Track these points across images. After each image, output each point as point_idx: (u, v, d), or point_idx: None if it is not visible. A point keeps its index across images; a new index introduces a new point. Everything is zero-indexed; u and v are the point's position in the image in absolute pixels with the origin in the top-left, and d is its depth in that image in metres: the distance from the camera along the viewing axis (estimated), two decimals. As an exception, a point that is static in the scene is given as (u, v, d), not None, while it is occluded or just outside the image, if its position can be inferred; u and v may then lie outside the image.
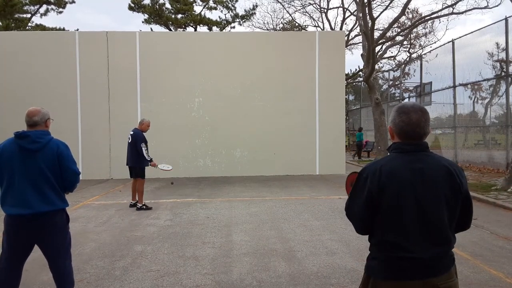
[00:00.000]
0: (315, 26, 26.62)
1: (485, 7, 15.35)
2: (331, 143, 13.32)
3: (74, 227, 6.01)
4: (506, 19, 11.85)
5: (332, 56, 13.39)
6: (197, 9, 28.70)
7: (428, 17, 17.01)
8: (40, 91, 12.67)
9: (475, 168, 13.62)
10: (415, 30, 21.30)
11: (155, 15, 27.70)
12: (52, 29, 25.26)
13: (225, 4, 28.51)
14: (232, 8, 28.66)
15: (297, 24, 26.55)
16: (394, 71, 23.57)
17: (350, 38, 24.11)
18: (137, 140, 7.48)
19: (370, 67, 14.87)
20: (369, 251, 1.89)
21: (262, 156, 13.27)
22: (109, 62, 13.04)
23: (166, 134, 12.89)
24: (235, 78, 13.24)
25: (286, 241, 5.40)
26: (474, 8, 15.66)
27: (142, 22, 29.95)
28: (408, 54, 23.88)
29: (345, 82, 17.70)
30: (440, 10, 16.15)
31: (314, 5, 23.56)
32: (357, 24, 20.23)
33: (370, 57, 14.65)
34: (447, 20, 24.97)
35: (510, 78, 12.06)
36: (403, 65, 22.37)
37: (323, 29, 24.67)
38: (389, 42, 20.91)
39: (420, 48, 23.40)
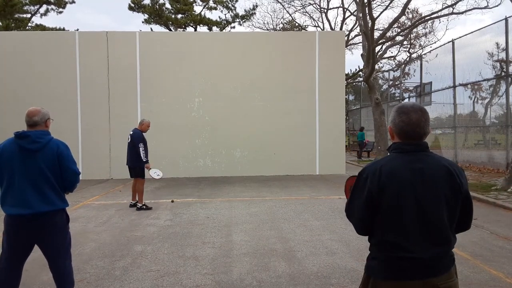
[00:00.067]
0: (315, 26, 26.65)
1: (485, 7, 15.36)
2: (331, 143, 13.32)
3: (74, 227, 6.01)
4: (506, 19, 11.85)
5: (332, 56, 13.39)
6: (197, 9, 28.74)
7: (428, 17, 17.01)
8: (40, 91, 12.67)
9: (475, 168, 13.62)
10: (415, 30, 21.32)
11: (155, 15, 27.70)
12: (52, 29, 25.26)
13: (225, 4, 28.52)
14: (232, 8, 28.68)
15: (297, 24, 26.56)
16: (394, 71, 23.58)
17: (350, 38, 24.11)
18: (136, 140, 7.48)
19: (370, 67, 14.87)
20: (369, 251, 1.89)
21: (262, 156, 13.27)
22: (109, 62, 13.04)
23: (166, 134, 12.89)
24: (235, 78, 13.24)
25: (286, 241, 5.40)
26: (474, 8, 15.67)
27: (142, 22, 29.99)
28: (408, 54, 23.92)
29: (345, 82, 17.70)
30: (440, 10, 16.16)
31: (314, 5, 23.61)
32: (357, 24, 20.24)
33: (370, 57, 14.65)
34: (447, 20, 25.00)
35: (510, 78, 12.06)
36: (403, 65, 22.37)
37: (323, 29, 24.68)
38: (389, 42, 20.91)
39: (420, 48, 23.44)
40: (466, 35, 14.64)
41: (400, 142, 1.85)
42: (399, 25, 20.86)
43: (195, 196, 9.27)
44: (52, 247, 3.05)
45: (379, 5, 19.98)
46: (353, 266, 4.38)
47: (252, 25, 28.77)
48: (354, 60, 76.18)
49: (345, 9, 23.33)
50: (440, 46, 16.60)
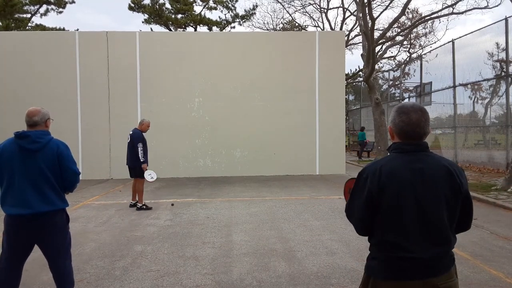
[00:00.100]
0: (315, 26, 26.65)
1: (485, 7, 15.37)
2: (331, 143, 13.32)
3: (74, 227, 6.01)
4: (506, 19, 11.84)
5: (332, 56, 13.39)
6: (197, 9, 28.74)
7: (428, 17, 17.02)
8: (40, 91, 12.67)
9: (475, 168, 13.62)
10: (415, 30, 21.32)
11: (155, 15, 27.70)
12: (52, 29, 25.26)
13: (225, 4, 28.52)
14: (232, 8, 28.67)
15: (297, 24, 26.56)
16: (394, 71, 23.58)
17: (350, 38, 24.11)
18: (135, 140, 7.49)
19: (370, 67, 14.87)
20: (369, 251, 1.89)
21: (262, 156, 13.27)
22: (109, 62, 13.04)
23: (166, 134, 12.88)
24: (235, 78, 13.24)
25: (286, 241, 5.40)
26: (474, 8, 15.68)
27: (142, 22, 29.98)
28: (408, 54, 23.91)
29: (345, 82, 17.70)
30: (440, 10, 16.16)
31: (314, 5, 23.61)
32: (357, 24, 20.25)
33: (370, 57, 14.65)
34: (447, 20, 25.00)
35: (510, 78, 12.06)
36: (403, 65, 22.37)
37: (323, 29, 24.68)
38: (389, 42, 20.91)
39: (420, 48, 23.44)
40: (466, 35, 14.65)
41: (400, 142, 1.85)
42: (399, 25, 20.86)
43: (195, 196, 9.27)
44: (52, 247, 3.05)
45: (379, 5, 20.00)
46: (353, 266, 4.38)
47: (252, 25, 28.81)
48: (354, 60, 76.25)
49: (345, 9, 23.34)
50: (440, 46, 16.61)
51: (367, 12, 13.78)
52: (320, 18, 36.58)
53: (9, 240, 2.98)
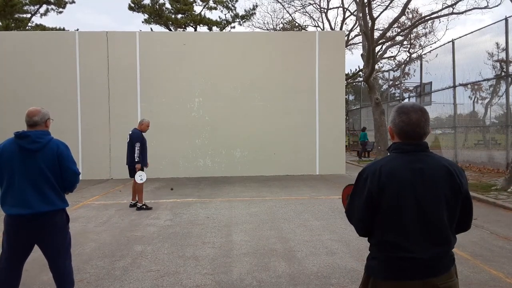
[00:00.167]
0: (315, 26, 26.65)
1: (485, 7, 15.37)
2: (331, 143, 13.32)
3: (74, 227, 6.01)
4: (506, 19, 11.84)
5: (332, 56, 13.39)
6: (197, 9, 28.74)
7: (428, 17, 17.02)
8: (40, 91, 12.67)
9: (475, 168, 13.62)
10: (415, 30, 21.32)
11: (155, 15, 27.70)
12: (52, 29, 25.26)
13: (225, 4, 28.52)
14: (232, 8, 28.67)
15: (297, 24, 26.55)
16: (394, 71, 23.58)
17: (350, 38, 24.11)
18: (134, 140, 7.49)
19: (370, 67, 14.87)
20: (369, 251, 1.89)
21: (262, 156, 13.27)
22: (109, 62, 13.04)
23: (166, 134, 12.89)
24: (235, 78, 13.24)
25: (286, 241, 5.40)
26: (474, 8, 15.68)
27: (142, 22, 29.98)
28: (408, 54, 23.91)
29: (345, 82, 17.70)
30: (440, 10, 16.16)
31: (314, 5, 23.60)
32: (357, 24, 20.25)
33: (370, 57, 14.66)
34: (447, 20, 25.01)
35: (510, 78, 12.06)
36: (403, 65, 22.37)
37: (323, 29, 24.68)
38: (389, 42, 20.91)
39: (420, 48, 23.44)
40: (466, 35, 14.65)
41: (400, 142, 1.85)
42: (399, 25, 20.86)
43: (195, 196, 9.27)
44: (52, 247, 3.05)
45: (379, 5, 19.99)
46: (353, 266, 4.38)
47: (252, 25, 28.81)
48: (354, 60, 76.25)
49: (345, 9, 23.34)
50: (440, 46, 16.61)
51: (367, 12, 13.78)
52: (320, 18, 36.62)
53: (9, 240, 2.98)
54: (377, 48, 18.02)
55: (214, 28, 28.49)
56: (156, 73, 13.12)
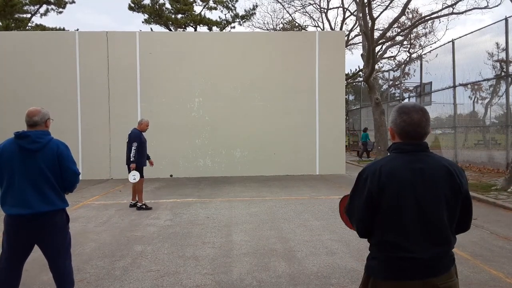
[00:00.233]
0: (315, 26, 26.64)
1: (485, 7, 15.36)
2: (331, 143, 13.32)
3: (74, 227, 6.01)
4: (506, 19, 11.84)
5: (332, 56, 13.39)
6: (197, 9, 28.73)
7: (428, 17, 17.01)
8: (40, 91, 12.67)
9: (475, 168, 13.62)
10: (415, 30, 21.31)
11: (155, 15, 27.69)
12: (52, 29, 25.25)
13: (225, 4, 28.51)
14: (232, 8, 28.67)
15: (297, 24, 26.55)
16: (394, 71, 23.58)
17: (350, 38, 24.10)
18: (131, 140, 7.49)
19: (370, 67, 14.87)
20: (369, 251, 1.89)
21: (262, 156, 13.26)
22: (109, 62, 13.04)
23: (166, 134, 12.89)
24: (235, 78, 13.24)
25: (286, 241, 5.40)
26: (474, 8, 15.67)
27: (142, 22, 29.98)
28: (408, 54, 23.91)
29: (345, 82, 17.70)
30: (440, 10, 16.16)
31: (314, 5, 23.58)
32: (357, 24, 20.24)
33: (370, 57, 14.65)
34: (447, 20, 24.99)
35: (510, 78, 12.05)
36: (403, 65, 22.37)
37: (323, 29, 24.68)
38: (389, 42, 20.90)
39: (420, 48, 23.42)
40: (466, 35, 14.65)
41: (401, 142, 1.85)
42: (399, 25, 20.86)
43: (195, 196, 9.27)
44: (52, 247, 3.05)
45: (379, 5, 19.98)
46: (353, 266, 4.38)
47: (252, 25, 28.79)
48: (354, 60, 76.25)
49: (345, 9, 23.33)
50: (440, 46, 16.61)
51: (367, 12, 13.78)
52: (320, 18, 36.58)
53: (9, 240, 2.98)
54: (377, 48, 18.02)
55: (214, 28, 28.49)
56: (156, 73, 13.12)
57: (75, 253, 4.56)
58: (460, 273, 3.52)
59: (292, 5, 25.76)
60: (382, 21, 38.40)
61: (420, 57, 18.93)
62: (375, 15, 15.25)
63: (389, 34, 19.02)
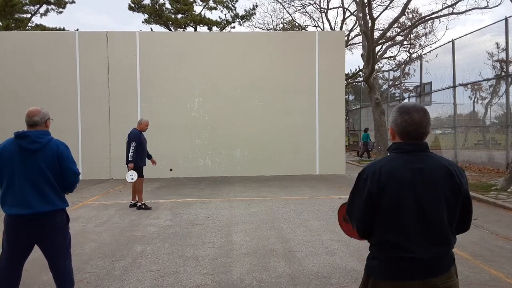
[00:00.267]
0: (315, 26, 26.64)
1: (485, 7, 15.37)
2: (331, 143, 13.32)
3: (74, 227, 6.01)
4: (506, 19, 11.84)
5: (332, 56, 13.39)
6: (197, 9, 28.74)
7: (428, 17, 17.01)
8: (40, 91, 12.67)
9: (475, 168, 13.62)
10: (415, 30, 21.31)
11: (155, 15, 27.69)
12: (52, 29, 25.25)
13: (225, 4, 28.52)
14: (232, 8, 28.67)
15: (297, 24, 26.55)
16: (394, 71, 23.58)
17: (350, 38, 24.11)
18: (132, 140, 7.48)
19: (370, 67, 14.87)
20: (369, 251, 1.89)
21: (262, 156, 13.27)
22: (109, 62, 13.04)
23: (166, 134, 12.89)
24: (235, 78, 13.24)
25: (286, 241, 5.40)
26: (474, 8, 15.68)
27: (142, 22, 29.98)
28: (408, 54, 23.91)
29: (345, 82, 17.70)
30: (440, 10, 16.16)
31: (314, 5, 23.58)
32: (357, 24, 20.24)
33: (370, 57, 14.65)
34: (447, 20, 25.00)
35: (510, 78, 12.05)
36: (403, 65, 22.37)
37: (323, 29, 24.68)
38: (389, 42, 20.91)
39: (420, 48, 23.43)
40: (466, 35, 14.65)
41: (401, 142, 1.85)
42: (399, 25, 20.86)
43: (195, 196, 9.27)
44: (52, 247, 3.05)
45: (379, 5, 19.99)
46: (353, 266, 4.38)
47: (252, 25, 28.80)
48: (354, 60, 76.26)
49: (345, 9, 23.33)
50: (440, 46, 16.61)
51: (367, 12, 13.78)
52: (320, 18, 36.58)
53: (9, 240, 2.98)
54: (377, 48, 18.03)
55: (214, 28, 28.49)
56: (156, 73, 13.12)
57: (75, 253, 4.56)
58: (460, 273, 3.52)
59: (292, 5, 25.79)
60: (382, 21, 38.43)
61: (420, 57, 18.93)
62: (375, 15, 15.26)
63: (389, 34, 19.03)
